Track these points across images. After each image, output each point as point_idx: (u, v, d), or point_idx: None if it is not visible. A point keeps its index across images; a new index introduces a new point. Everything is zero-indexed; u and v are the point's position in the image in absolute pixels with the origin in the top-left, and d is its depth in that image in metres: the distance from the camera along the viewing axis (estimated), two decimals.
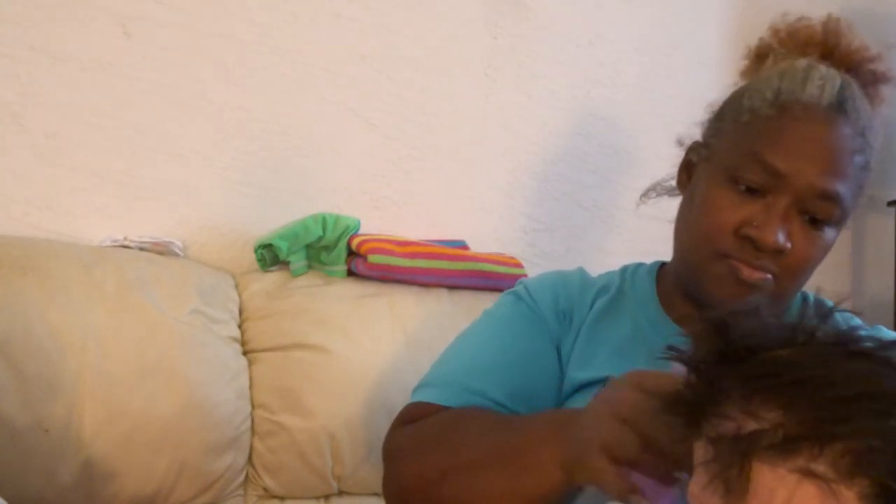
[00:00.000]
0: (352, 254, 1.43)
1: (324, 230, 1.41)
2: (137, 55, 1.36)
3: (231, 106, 1.44)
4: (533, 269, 1.58)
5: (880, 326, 0.94)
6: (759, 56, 0.95)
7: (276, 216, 1.46)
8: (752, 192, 0.84)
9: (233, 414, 1.22)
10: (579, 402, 0.90)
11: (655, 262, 1.01)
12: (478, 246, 1.63)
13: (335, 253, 1.42)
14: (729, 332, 0.52)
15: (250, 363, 1.29)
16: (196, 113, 1.41)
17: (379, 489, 1.29)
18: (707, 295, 0.88)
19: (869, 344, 0.50)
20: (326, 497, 1.30)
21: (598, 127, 1.79)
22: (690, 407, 0.52)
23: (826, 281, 0.86)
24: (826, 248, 0.87)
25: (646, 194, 1.00)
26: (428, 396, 0.92)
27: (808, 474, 0.47)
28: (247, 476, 1.26)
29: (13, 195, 1.29)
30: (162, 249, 1.34)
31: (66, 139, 1.32)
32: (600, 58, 1.79)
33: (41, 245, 1.22)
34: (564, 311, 0.97)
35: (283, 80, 1.48)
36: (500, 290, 1.08)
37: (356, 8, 1.55)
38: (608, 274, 1.03)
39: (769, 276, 0.84)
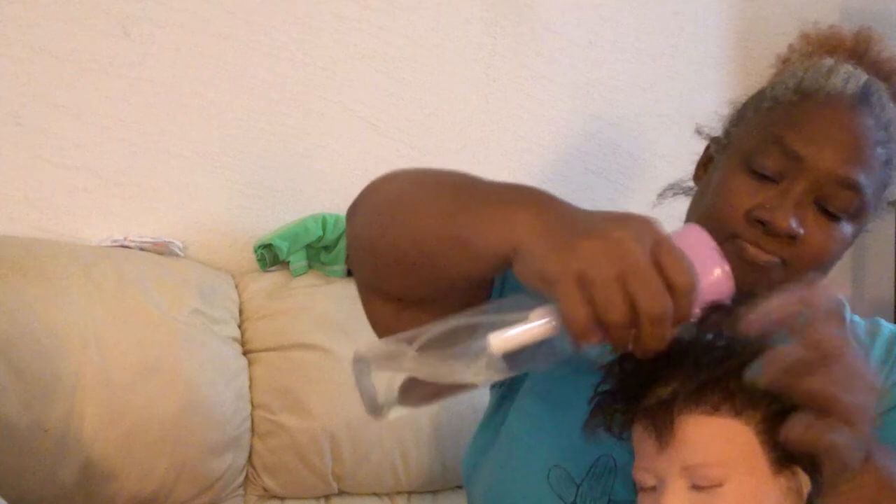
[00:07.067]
0: None
1: (324, 230, 1.41)
2: (137, 55, 1.36)
3: (231, 106, 1.44)
4: None
5: (879, 319, 0.93)
6: (787, 62, 0.92)
7: (275, 216, 1.45)
8: (768, 179, 0.81)
9: (233, 414, 1.22)
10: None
11: None
12: None
13: (335, 253, 1.41)
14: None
15: (250, 363, 1.29)
16: (196, 113, 1.41)
17: (379, 489, 1.30)
18: None
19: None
20: (326, 497, 1.30)
21: (598, 127, 1.78)
22: (628, 395, 0.66)
23: (826, 281, 0.85)
24: (843, 244, 0.83)
25: (662, 194, 0.96)
26: None
27: (713, 412, 0.62)
28: (247, 476, 1.26)
29: (13, 195, 1.29)
30: (162, 249, 1.34)
31: (66, 139, 1.32)
32: (600, 58, 1.79)
33: (41, 245, 1.22)
34: None
35: (283, 80, 1.48)
36: None
37: (356, 8, 1.54)
38: None
39: (778, 259, 0.80)
